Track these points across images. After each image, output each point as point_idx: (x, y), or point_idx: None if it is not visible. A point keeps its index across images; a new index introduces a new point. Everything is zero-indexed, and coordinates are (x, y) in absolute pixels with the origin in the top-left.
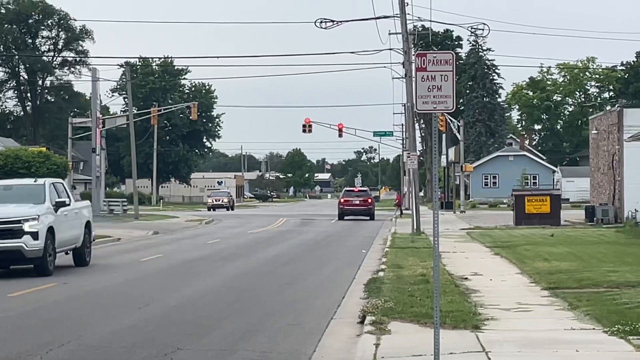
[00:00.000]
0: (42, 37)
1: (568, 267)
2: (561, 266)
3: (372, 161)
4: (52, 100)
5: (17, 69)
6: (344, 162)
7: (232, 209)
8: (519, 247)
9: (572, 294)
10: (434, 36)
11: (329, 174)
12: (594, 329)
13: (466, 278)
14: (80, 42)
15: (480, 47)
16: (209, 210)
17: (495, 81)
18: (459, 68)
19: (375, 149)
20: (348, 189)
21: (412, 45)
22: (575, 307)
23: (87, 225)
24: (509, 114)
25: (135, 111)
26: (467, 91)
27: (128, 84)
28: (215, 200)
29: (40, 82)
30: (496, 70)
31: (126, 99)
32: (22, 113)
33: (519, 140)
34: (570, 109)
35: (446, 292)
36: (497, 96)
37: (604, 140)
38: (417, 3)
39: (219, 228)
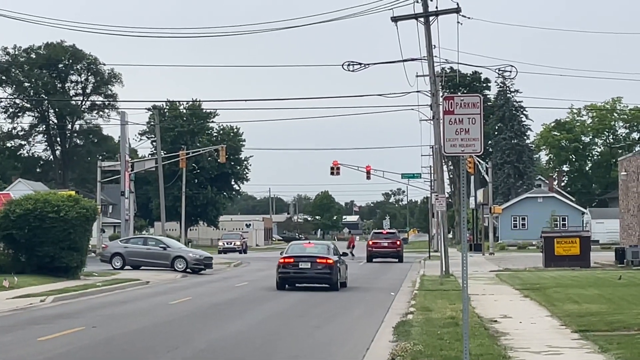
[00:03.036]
0: (72, 82)
1: (598, 309)
2: (591, 308)
3: (400, 203)
4: (81, 144)
5: (46, 113)
6: (372, 204)
7: (245, 252)
8: (548, 290)
9: (603, 336)
10: (461, 78)
11: (357, 216)
12: None
13: (496, 321)
14: (109, 86)
15: (508, 88)
16: (219, 253)
17: (523, 123)
18: (487, 109)
19: (404, 191)
20: (376, 231)
21: (440, 87)
22: (606, 350)
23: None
24: (537, 155)
25: (163, 154)
26: (496, 133)
27: (156, 127)
28: (227, 243)
29: (69, 126)
30: (524, 112)
31: (154, 142)
32: (51, 157)
33: (547, 182)
34: (599, 150)
35: (475, 335)
36: (525, 138)
37: (634, 181)
38: (445, 45)
39: (247, 271)
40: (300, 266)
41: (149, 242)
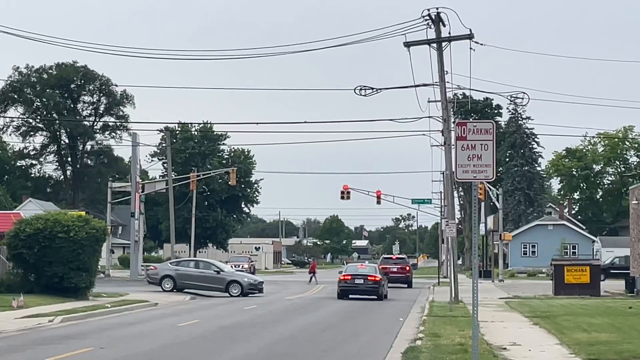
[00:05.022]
0: (84, 102)
1: (608, 338)
2: (601, 337)
3: (410, 229)
4: (92, 164)
5: (58, 133)
6: (381, 229)
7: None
8: (558, 317)
9: None
10: (473, 104)
11: (367, 241)
12: None
13: (505, 348)
14: (120, 107)
15: (519, 115)
16: None
17: (534, 150)
18: (499, 136)
19: (414, 217)
20: (386, 256)
21: (452, 113)
22: None
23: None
24: (548, 183)
25: (174, 176)
26: (507, 159)
27: (167, 149)
28: (235, 266)
29: (80, 147)
30: (535, 139)
31: (165, 164)
32: (62, 177)
33: (558, 210)
34: (610, 179)
35: None
36: (536, 165)
37: None
38: (457, 71)
39: None
40: (355, 282)
41: (200, 265)
